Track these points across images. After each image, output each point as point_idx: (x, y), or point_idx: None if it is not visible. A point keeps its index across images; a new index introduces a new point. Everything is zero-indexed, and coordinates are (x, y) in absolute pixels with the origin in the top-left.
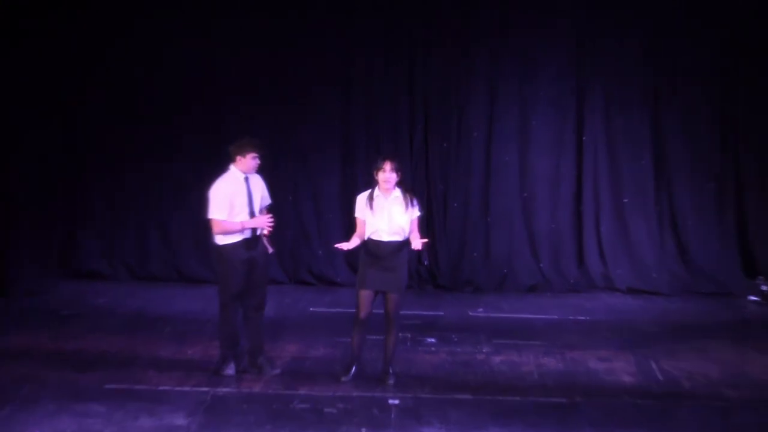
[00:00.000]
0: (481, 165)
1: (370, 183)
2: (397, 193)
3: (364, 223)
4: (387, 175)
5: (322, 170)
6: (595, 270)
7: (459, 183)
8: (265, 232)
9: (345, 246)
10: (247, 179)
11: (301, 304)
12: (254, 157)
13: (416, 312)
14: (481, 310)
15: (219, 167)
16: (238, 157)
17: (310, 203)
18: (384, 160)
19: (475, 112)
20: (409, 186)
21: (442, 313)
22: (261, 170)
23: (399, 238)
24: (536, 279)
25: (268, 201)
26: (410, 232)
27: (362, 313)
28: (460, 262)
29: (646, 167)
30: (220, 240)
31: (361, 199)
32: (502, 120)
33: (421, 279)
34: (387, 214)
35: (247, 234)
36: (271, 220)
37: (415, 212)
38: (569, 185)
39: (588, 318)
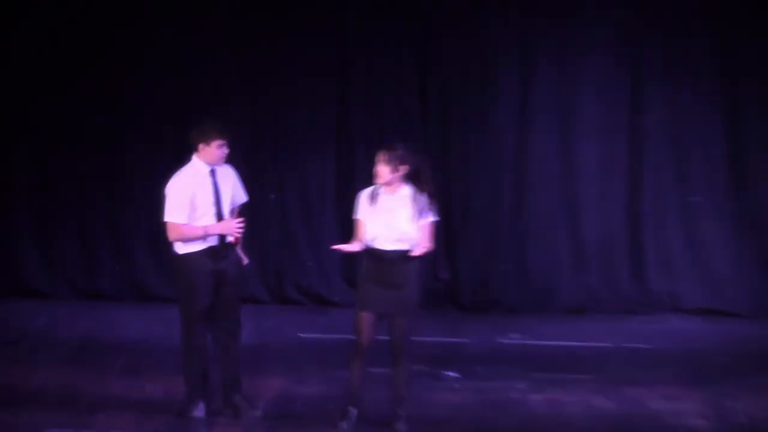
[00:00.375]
0: (512, 155)
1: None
2: (406, 191)
3: (365, 226)
4: (377, 168)
5: (314, 164)
6: (657, 286)
7: (485, 178)
8: (232, 239)
9: (346, 247)
10: (213, 172)
11: (288, 329)
12: (220, 145)
13: (433, 338)
14: (515, 336)
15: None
16: (201, 146)
17: (298, 203)
18: (379, 150)
19: (504, 89)
20: (428, 182)
21: (465, 340)
22: (236, 162)
23: (405, 246)
24: (583, 297)
25: (243, 198)
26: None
27: (363, 341)
28: (487, 276)
29: (721, 156)
30: (180, 248)
31: (363, 196)
32: (539, 99)
33: (439, 297)
34: (389, 216)
35: (213, 241)
36: (242, 224)
37: (428, 217)
38: (624, 179)
39: (648, 346)
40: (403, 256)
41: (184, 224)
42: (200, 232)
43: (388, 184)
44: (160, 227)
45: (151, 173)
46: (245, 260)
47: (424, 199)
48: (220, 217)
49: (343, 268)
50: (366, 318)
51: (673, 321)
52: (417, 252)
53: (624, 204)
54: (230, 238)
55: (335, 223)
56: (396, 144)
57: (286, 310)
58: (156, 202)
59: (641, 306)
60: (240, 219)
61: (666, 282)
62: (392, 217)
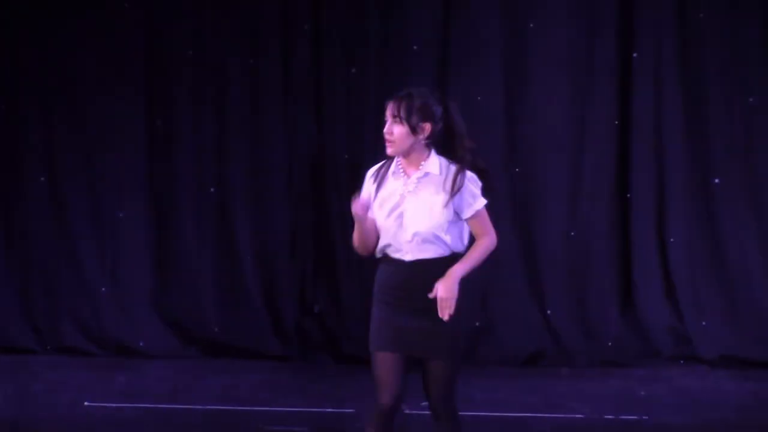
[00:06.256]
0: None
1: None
2: (434, 166)
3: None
4: (387, 129)
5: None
6: (657, 321)
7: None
8: None
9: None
10: None
11: (67, 394)
12: None
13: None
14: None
15: None
16: None
17: (82, 186)
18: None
19: None
20: (464, 147)
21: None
22: None
23: (433, 253)
24: (539, 340)
25: None
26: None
27: (385, 398)
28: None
29: (760, 112)
30: None
31: (369, 176)
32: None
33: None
34: (406, 209)
35: None
36: None
37: (475, 202)
38: (604, 151)
39: (643, 417)
40: (431, 268)
41: None
42: None
43: (405, 155)
44: None
45: None
46: None
47: (465, 175)
48: None
49: (154, 295)
50: (386, 361)
51: (682, 377)
52: (466, 265)
53: (604, 189)
54: None
55: (141, 228)
56: (413, 89)
57: (64, 365)
58: None
59: (631, 353)
60: None
61: (671, 315)
62: (413, 209)
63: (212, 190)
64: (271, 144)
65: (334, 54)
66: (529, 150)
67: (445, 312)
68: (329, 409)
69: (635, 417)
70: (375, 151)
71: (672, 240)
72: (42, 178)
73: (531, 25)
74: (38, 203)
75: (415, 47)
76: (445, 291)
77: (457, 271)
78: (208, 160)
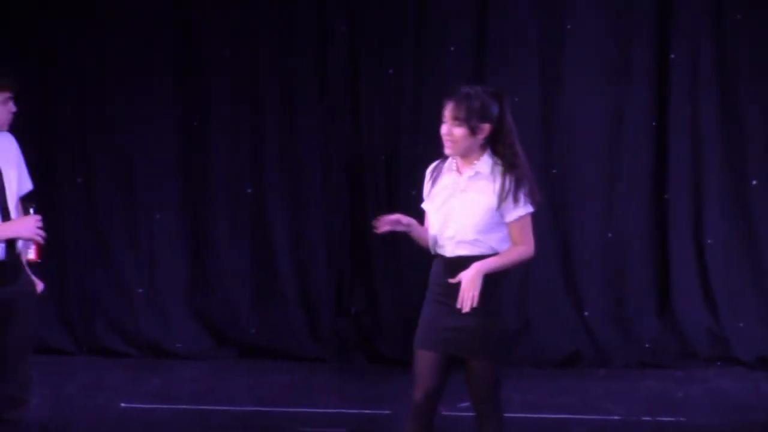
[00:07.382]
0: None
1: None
2: (485, 166)
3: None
4: (445, 129)
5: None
6: (694, 323)
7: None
8: (32, 253)
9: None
10: None
11: (103, 394)
12: (6, 99)
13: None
14: (464, 404)
15: None
16: None
17: (114, 185)
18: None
19: None
20: (512, 147)
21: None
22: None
23: (472, 251)
24: (576, 341)
25: (28, 186)
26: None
27: (418, 394)
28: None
29: None
30: None
31: (428, 173)
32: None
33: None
34: (453, 206)
35: None
36: (40, 223)
37: (518, 209)
38: (641, 152)
39: (681, 419)
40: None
41: None
42: None
43: (464, 155)
44: None
45: None
46: (40, 286)
47: (513, 179)
48: (4, 213)
49: (189, 296)
50: (424, 359)
51: (719, 379)
52: (493, 262)
53: (642, 190)
54: (30, 252)
55: (177, 229)
56: (470, 89)
57: (100, 365)
58: None
59: (668, 355)
60: (38, 216)
61: (708, 316)
62: (458, 206)
63: (248, 191)
64: (307, 145)
65: (371, 55)
66: (566, 151)
67: (465, 303)
68: (366, 411)
69: (672, 418)
70: (411, 152)
71: (709, 241)
72: (79, 180)
73: (568, 27)
74: (75, 204)
75: (452, 48)
76: (466, 282)
77: (481, 265)
78: (244, 161)
